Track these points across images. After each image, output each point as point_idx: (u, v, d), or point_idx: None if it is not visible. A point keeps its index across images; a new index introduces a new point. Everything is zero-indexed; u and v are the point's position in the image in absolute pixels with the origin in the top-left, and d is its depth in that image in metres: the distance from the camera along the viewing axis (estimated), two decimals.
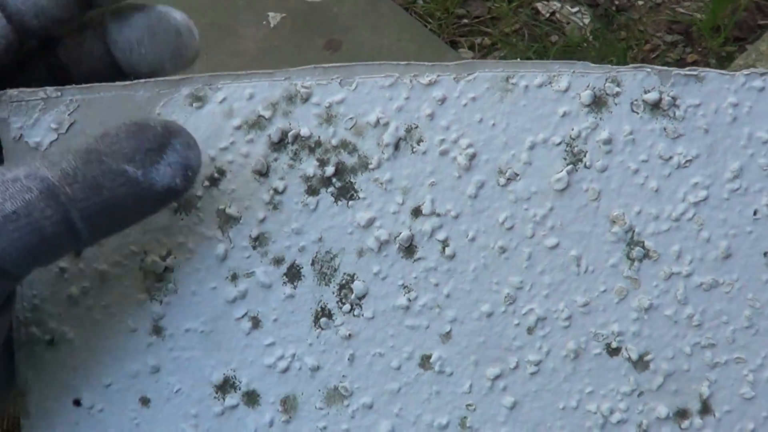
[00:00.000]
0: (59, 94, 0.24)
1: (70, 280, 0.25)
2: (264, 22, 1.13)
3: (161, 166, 0.21)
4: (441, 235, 0.25)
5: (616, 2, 1.28)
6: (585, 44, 1.20)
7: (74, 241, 0.21)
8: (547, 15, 1.26)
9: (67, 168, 0.20)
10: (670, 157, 0.25)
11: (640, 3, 1.27)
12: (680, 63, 1.18)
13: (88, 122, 0.25)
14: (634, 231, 0.25)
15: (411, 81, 0.25)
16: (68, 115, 0.24)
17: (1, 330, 0.22)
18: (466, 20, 1.27)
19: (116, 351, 0.25)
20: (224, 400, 0.25)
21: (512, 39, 1.22)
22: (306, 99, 0.25)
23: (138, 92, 0.25)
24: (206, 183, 0.25)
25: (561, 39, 1.21)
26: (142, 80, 0.25)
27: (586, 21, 1.24)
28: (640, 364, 0.25)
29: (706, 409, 0.25)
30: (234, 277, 0.25)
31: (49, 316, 0.25)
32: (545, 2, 1.28)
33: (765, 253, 0.25)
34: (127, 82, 0.25)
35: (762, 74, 0.25)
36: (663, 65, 0.26)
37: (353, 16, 1.20)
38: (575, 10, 1.26)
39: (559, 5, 1.27)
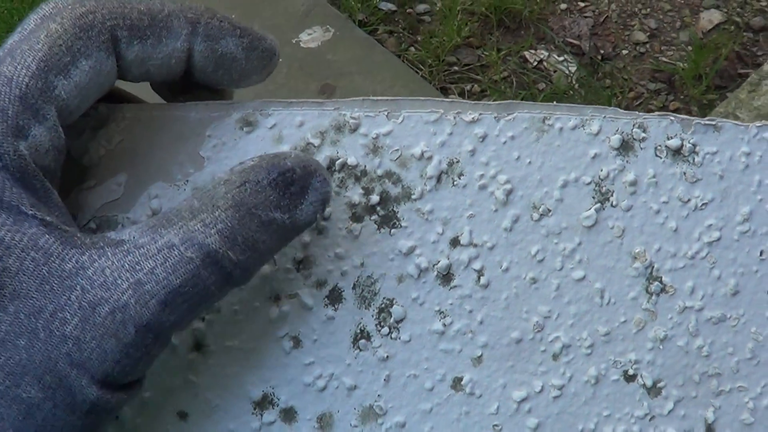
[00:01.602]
0: (111, 111, 0.25)
1: None
2: None
3: (304, 206, 0.22)
4: (477, 265, 0.26)
5: (601, 51, 1.33)
6: (571, 92, 1.24)
7: (228, 291, 0.21)
8: (535, 63, 1.31)
9: (224, 229, 0.20)
10: (688, 200, 0.27)
11: (625, 52, 1.32)
12: (663, 110, 1.23)
13: (138, 141, 0.25)
14: (653, 267, 0.27)
15: (454, 118, 0.26)
16: (118, 132, 0.25)
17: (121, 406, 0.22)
18: (456, 67, 1.30)
19: (155, 365, 0.25)
20: (262, 416, 0.26)
21: (501, 86, 1.26)
22: (354, 129, 0.26)
23: (190, 113, 0.25)
24: None
25: (548, 86, 1.26)
26: (194, 102, 0.25)
27: (572, 69, 1.28)
28: (654, 390, 0.27)
29: None
30: (277, 298, 0.26)
31: None
32: (533, 51, 1.32)
33: None
34: (180, 104, 0.25)
35: None
36: (646, 112, 0.27)
37: (347, 62, 1.23)
38: (561, 58, 1.30)
39: (546, 54, 1.32)
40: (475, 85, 1.26)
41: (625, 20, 1.35)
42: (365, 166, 0.26)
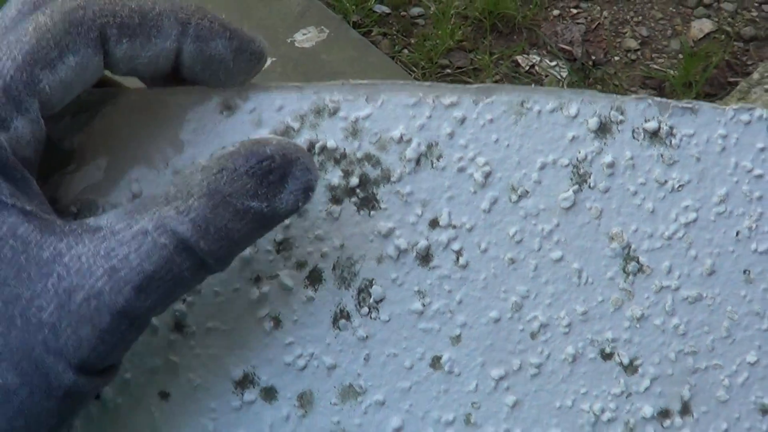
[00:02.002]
0: (92, 95, 0.25)
1: None
2: None
3: (284, 195, 0.21)
4: (456, 246, 0.26)
5: (593, 57, 1.33)
6: None
7: (205, 276, 0.21)
8: (527, 68, 1.32)
9: (196, 218, 0.20)
10: (665, 182, 0.27)
11: (616, 59, 1.33)
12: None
13: (116, 124, 0.25)
14: (630, 247, 0.27)
15: (433, 101, 0.26)
16: (99, 117, 0.25)
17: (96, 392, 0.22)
18: (449, 70, 1.31)
19: (137, 346, 0.26)
20: (243, 395, 0.26)
21: None
22: (333, 113, 0.26)
23: (170, 98, 0.25)
24: None
25: None
26: (173, 87, 0.25)
27: (564, 74, 1.29)
28: (630, 368, 0.27)
29: (686, 410, 0.28)
30: (257, 279, 0.26)
31: None
32: (525, 56, 1.33)
33: (744, 271, 0.28)
34: (160, 88, 0.25)
35: (749, 109, 0.28)
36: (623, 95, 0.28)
37: (341, 62, 1.24)
38: (553, 63, 1.31)
39: (538, 59, 1.33)
40: None
41: (617, 27, 1.37)
42: (345, 149, 0.26)
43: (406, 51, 1.34)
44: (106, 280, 0.20)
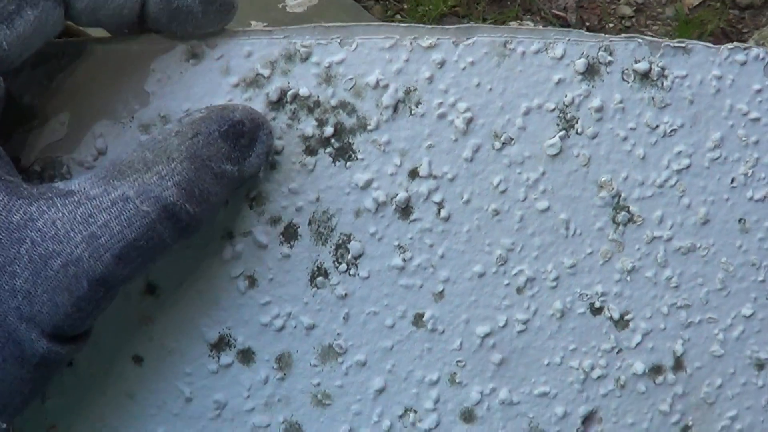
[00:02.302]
0: (51, 48, 0.23)
1: None
2: None
3: (252, 158, 0.22)
4: (437, 197, 0.25)
5: (587, 24, 1.32)
6: None
7: (182, 241, 0.21)
8: None
9: (181, 182, 0.20)
10: (657, 126, 0.26)
11: (610, 26, 1.32)
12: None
13: (80, 77, 0.24)
14: (620, 196, 0.26)
15: (411, 43, 0.25)
16: (59, 70, 0.24)
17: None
18: None
19: (109, 310, 0.25)
20: (219, 358, 0.25)
21: None
22: (305, 58, 0.24)
23: (132, 47, 0.24)
24: None
25: None
26: (135, 36, 0.24)
27: None
28: (621, 323, 0.26)
29: (679, 365, 0.27)
30: (230, 237, 0.25)
31: None
32: (518, 21, 1.34)
33: (740, 220, 0.27)
34: (121, 37, 0.24)
35: (745, 48, 0.26)
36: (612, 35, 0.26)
37: None
38: None
39: (531, 25, 1.32)
40: None
41: None
42: (318, 97, 0.25)
43: (398, 16, 1.33)
44: (85, 247, 0.19)
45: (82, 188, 0.19)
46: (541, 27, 0.26)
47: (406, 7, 1.34)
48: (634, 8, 1.34)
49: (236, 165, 0.21)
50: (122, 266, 0.19)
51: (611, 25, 1.31)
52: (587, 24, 1.31)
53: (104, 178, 0.20)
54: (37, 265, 0.19)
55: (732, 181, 0.26)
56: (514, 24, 1.29)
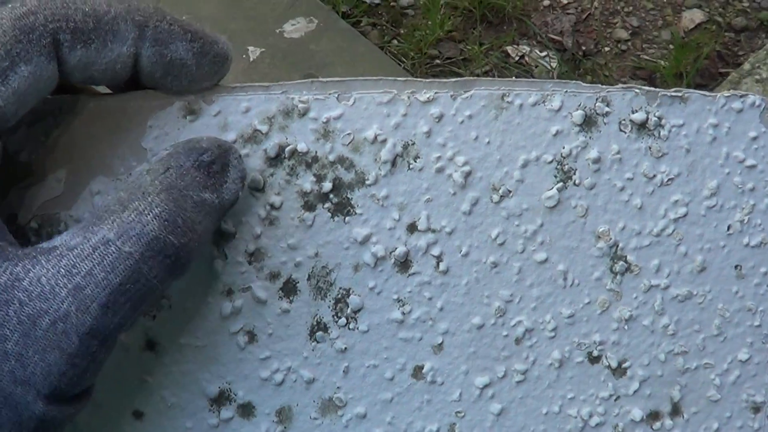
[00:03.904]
0: (47, 105, 0.23)
1: None
2: (244, 56, 1.18)
3: (228, 184, 0.22)
4: (435, 251, 0.25)
5: (583, 48, 1.32)
6: None
7: (171, 283, 0.20)
8: (517, 58, 1.31)
9: (161, 213, 0.19)
10: (654, 176, 0.26)
11: (606, 49, 1.32)
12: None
13: (77, 134, 0.24)
14: (617, 246, 0.26)
15: (409, 98, 0.25)
16: (56, 127, 0.24)
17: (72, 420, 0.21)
18: (438, 61, 1.30)
19: (108, 366, 0.25)
20: (219, 412, 0.25)
21: None
22: (303, 114, 0.24)
23: (129, 103, 0.24)
24: None
25: None
26: (132, 92, 0.24)
27: (554, 65, 1.29)
28: (619, 371, 0.27)
29: (676, 411, 0.27)
30: (229, 293, 0.25)
31: None
32: (515, 46, 1.33)
33: (736, 266, 0.27)
34: (118, 94, 0.24)
35: (741, 96, 0.26)
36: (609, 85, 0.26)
37: (330, 52, 1.25)
38: (543, 54, 1.30)
39: (528, 49, 1.32)
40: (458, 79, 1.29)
41: (608, 18, 1.36)
42: (316, 152, 0.25)
43: (395, 41, 1.33)
44: (71, 301, 0.18)
45: (63, 241, 0.19)
46: (535, 78, 0.26)
47: (402, 32, 1.34)
48: (630, 32, 1.35)
49: (214, 193, 0.21)
50: (111, 314, 0.19)
51: (607, 48, 1.31)
52: (583, 48, 1.31)
53: (84, 227, 0.19)
54: (25, 326, 0.18)
55: (728, 228, 0.27)
56: (510, 48, 1.29)
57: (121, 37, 0.21)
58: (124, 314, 0.19)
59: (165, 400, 0.25)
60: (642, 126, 0.26)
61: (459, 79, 0.25)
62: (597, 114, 0.26)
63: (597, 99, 0.26)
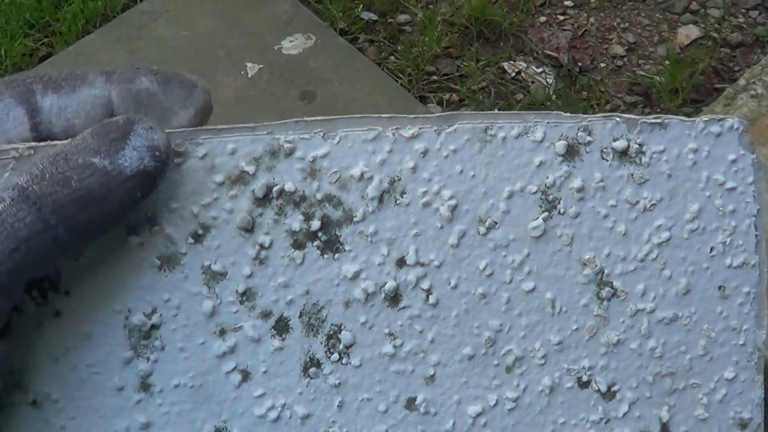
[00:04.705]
0: (32, 152, 0.23)
1: (51, 340, 0.24)
2: (242, 72, 1.17)
3: (127, 151, 0.21)
4: (425, 284, 0.25)
5: (579, 64, 1.33)
6: (548, 103, 1.25)
7: (54, 242, 0.21)
8: (513, 74, 1.32)
9: (34, 170, 0.21)
10: (637, 202, 0.26)
11: (602, 65, 1.33)
12: None
13: None
14: (603, 272, 0.27)
15: (393, 134, 0.25)
16: None
17: (6, 358, 0.22)
18: (435, 77, 1.31)
19: (104, 409, 0.25)
20: None
21: (479, 96, 1.26)
22: (289, 153, 0.25)
23: None
24: (190, 240, 0.24)
25: (526, 97, 1.26)
26: None
27: (550, 81, 1.30)
28: (608, 394, 0.27)
29: (665, 431, 0.28)
30: (222, 332, 0.25)
31: (30, 378, 0.24)
32: (511, 62, 1.33)
33: (719, 287, 0.27)
34: None
35: (719, 120, 0.27)
36: (590, 114, 0.27)
37: (328, 69, 1.25)
38: (540, 70, 1.31)
39: (524, 65, 1.32)
40: (454, 95, 1.29)
41: (604, 34, 1.37)
42: (304, 191, 0.25)
43: (392, 58, 1.34)
44: None
45: None
46: (517, 111, 0.26)
47: (400, 48, 1.34)
48: (626, 47, 1.36)
49: (107, 159, 0.21)
50: None
51: (603, 64, 1.32)
52: (580, 64, 1.32)
53: None
54: None
55: (711, 250, 0.27)
56: (506, 64, 1.30)
57: (89, 82, 0.23)
58: None
59: None
60: (623, 153, 0.26)
61: (442, 114, 0.25)
62: (579, 143, 0.26)
63: (578, 128, 0.26)
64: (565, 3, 1.39)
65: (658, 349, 0.27)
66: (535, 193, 0.26)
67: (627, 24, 1.37)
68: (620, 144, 0.26)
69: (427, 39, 1.30)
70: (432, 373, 0.26)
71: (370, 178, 0.25)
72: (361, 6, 1.36)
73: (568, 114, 0.26)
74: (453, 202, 0.25)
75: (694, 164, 0.27)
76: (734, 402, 0.28)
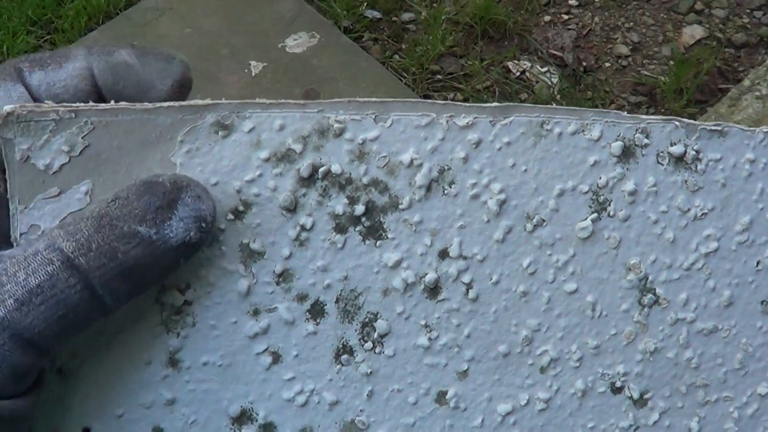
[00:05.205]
0: (73, 115, 0.22)
1: None
2: (246, 71, 1.16)
3: (173, 221, 0.21)
4: (466, 278, 0.25)
5: (584, 63, 1.32)
6: (553, 102, 1.24)
7: (100, 309, 0.21)
8: (518, 74, 1.30)
9: (80, 237, 0.20)
10: (688, 209, 0.26)
11: (607, 65, 1.31)
12: None
13: (104, 146, 0.23)
14: (647, 279, 0.26)
15: (447, 122, 0.24)
16: (82, 138, 0.23)
17: (31, 414, 0.21)
18: (439, 76, 1.30)
19: (130, 382, 0.24)
20: (240, 431, 0.25)
21: (483, 95, 1.25)
22: (339, 134, 0.24)
23: (159, 117, 0.23)
24: (230, 216, 0.24)
25: (530, 97, 1.25)
26: (165, 104, 0.23)
27: (554, 80, 1.29)
28: (640, 401, 0.27)
29: None
30: (256, 312, 0.24)
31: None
32: (516, 62, 1.32)
33: (762, 302, 0.27)
34: (149, 105, 0.23)
35: None
36: (649, 116, 0.26)
37: (332, 68, 1.24)
38: (544, 69, 1.30)
39: (529, 65, 1.31)
40: (458, 94, 1.28)
41: (608, 33, 1.35)
42: (350, 174, 0.24)
43: (396, 56, 1.32)
44: None
45: (10, 252, 0.21)
46: (576, 107, 0.25)
47: (404, 47, 1.32)
48: (631, 47, 1.34)
49: (153, 228, 0.21)
50: (24, 312, 0.20)
51: (608, 64, 1.31)
52: (584, 63, 1.30)
53: (30, 240, 0.21)
54: None
55: (758, 264, 0.27)
56: (511, 64, 1.28)
57: (73, 57, 0.24)
58: (37, 315, 0.20)
59: (186, 418, 0.25)
60: (680, 159, 0.25)
61: (499, 104, 0.24)
62: (636, 145, 0.25)
63: (637, 130, 0.25)
64: (570, 2, 1.38)
65: (695, 359, 0.27)
66: (586, 193, 0.25)
67: (631, 24, 1.36)
68: (677, 149, 0.25)
69: (431, 38, 1.29)
70: (465, 368, 0.25)
71: (420, 166, 0.24)
72: (366, 4, 1.35)
73: (627, 114, 0.25)
74: (502, 196, 0.25)
75: (750, 175, 0.26)
76: (765, 418, 0.28)
